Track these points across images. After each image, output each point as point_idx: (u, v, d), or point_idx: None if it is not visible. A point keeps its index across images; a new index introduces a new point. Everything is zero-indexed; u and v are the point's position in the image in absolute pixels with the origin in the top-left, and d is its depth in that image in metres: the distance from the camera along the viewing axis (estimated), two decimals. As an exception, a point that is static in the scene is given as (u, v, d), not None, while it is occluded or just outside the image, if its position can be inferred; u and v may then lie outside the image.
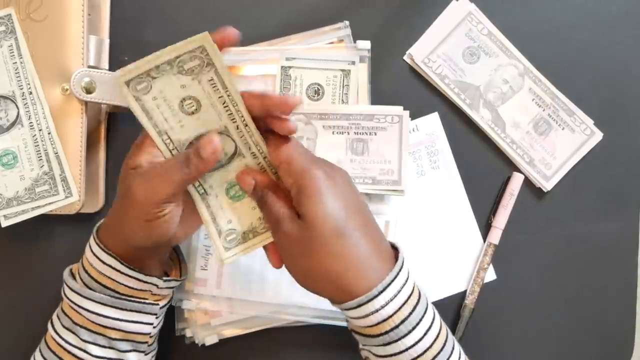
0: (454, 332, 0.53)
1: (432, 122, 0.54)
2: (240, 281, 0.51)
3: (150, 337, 0.45)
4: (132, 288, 0.42)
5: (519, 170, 0.54)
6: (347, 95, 0.52)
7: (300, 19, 0.53)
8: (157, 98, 0.38)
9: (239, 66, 0.53)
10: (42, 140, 0.49)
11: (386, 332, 0.38)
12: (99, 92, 0.48)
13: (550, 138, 0.55)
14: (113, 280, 0.42)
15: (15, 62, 0.49)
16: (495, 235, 0.54)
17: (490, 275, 0.54)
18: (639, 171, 0.56)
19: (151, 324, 0.44)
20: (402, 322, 0.38)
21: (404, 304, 0.39)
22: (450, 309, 0.54)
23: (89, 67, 0.49)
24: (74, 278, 0.43)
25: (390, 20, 0.54)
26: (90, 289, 0.42)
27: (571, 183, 0.55)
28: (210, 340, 0.51)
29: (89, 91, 0.48)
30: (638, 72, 0.56)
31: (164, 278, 0.44)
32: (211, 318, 0.52)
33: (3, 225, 0.49)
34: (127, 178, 0.39)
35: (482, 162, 0.55)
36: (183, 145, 0.40)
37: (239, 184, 0.42)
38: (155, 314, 0.44)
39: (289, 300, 0.51)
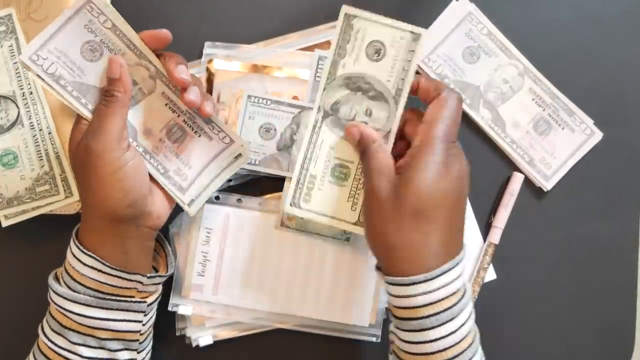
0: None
1: (432, 122, 0.54)
2: (236, 288, 0.51)
3: (141, 334, 0.45)
4: (117, 287, 0.42)
5: (519, 170, 0.54)
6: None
7: (300, 19, 0.53)
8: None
9: (274, 67, 0.52)
10: (42, 140, 0.49)
11: (419, 318, 0.39)
12: (99, 92, 0.48)
13: (550, 138, 0.55)
14: (96, 280, 0.42)
15: (16, 62, 0.49)
16: (495, 235, 0.54)
17: (490, 275, 0.54)
18: (639, 171, 0.56)
19: (140, 321, 0.44)
20: (433, 315, 0.39)
21: (440, 300, 0.39)
22: (451, 309, 0.54)
23: (89, 67, 0.49)
24: (59, 282, 0.43)
25: (390, 20, 0.54)
26: (75, 291, 0.42)
27: (571, 183, 0.55)
28: (205, 341, 0.51)
29: (89, 91, 0.48)
30: (638, 72, 0.56)
31: (148, 275, 0.44)
32: (206, 319, 0.52)
33: (3, 225, 0.49)
34: (79, 148, 0.41)
35: (482, 162, 0.55)
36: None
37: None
38: (143, 312, 0.44)
39: (285, 309, 0.51)
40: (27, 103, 0.49)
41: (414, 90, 0.44)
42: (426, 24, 0.54)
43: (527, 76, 0.54)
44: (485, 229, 0.55)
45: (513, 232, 0.54)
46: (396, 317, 0.42)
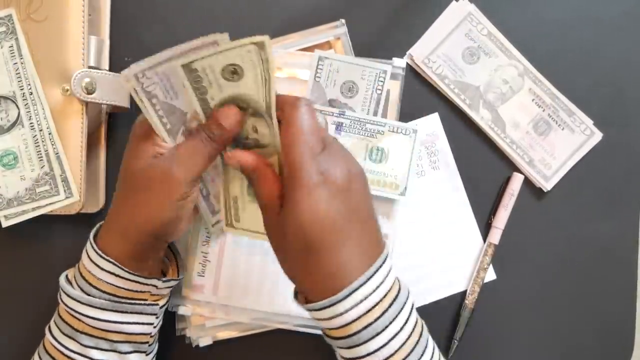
0: (453, 332, 0.53)
1: (432, 122, 0.54)
2: (236, 288, 0.51)
3: (151, 337, 0.45)
4: (133, 291, 0.42)
5: (519, 171, 0.54)
6: (381, 95, 0.51)
7: (300, 20, 0.53)
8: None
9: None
10: (42, 141, 0.49)
11: (349, 336, 0.37)
12: (100, 92, 0.48)
13: (550, 138, 0.55)
14: (113, 285, 0.42)
15: (16, 63, 0.49)
16: (495, 235, 0.54)
17: (490, 275, 0.54)
18: (639, 171, 0.56)
19: (152, 324, 0.44)
20: (366, 327, 0.37)
21: (369, 310, 0.37)
22: (450, 309, 0.54)
23: (90, 67, 0.49)
24: (71, 284, 0.43)
25: (390, 20, 0.54)
26: (89, 295, 0.42)
27: (571, 183, 0.55)
28: (205, 341, 0.51)
29: (89, 91, 0.48)
30: (638, 72, 0.56)
31: (163, 278, 0.44)
32: (206, 320, 0.52)
33: (4, 226, 0.49)
34: (156, 163, 0.40)
35: (482, 162, 0.55)
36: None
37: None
38: (155, 314, 0.44)
39: (285, 309, 0.51)
40: (27, 103, 0.49)
41: None
42: (426, 24, 0.54)
43: (527, 77, 0.54)
44: (485, 229, 0.55)
45: (513, 233, 0.54)
46: (330, 337, 0.39)
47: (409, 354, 0.38)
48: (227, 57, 0.38)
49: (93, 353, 0.42)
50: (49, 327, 0.44)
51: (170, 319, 0.51)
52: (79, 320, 0.42)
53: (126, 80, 0.39)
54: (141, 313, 0.43)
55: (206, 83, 0.40)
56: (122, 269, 0.42)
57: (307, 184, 0.37)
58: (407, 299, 0.39)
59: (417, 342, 0.38)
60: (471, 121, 0.54)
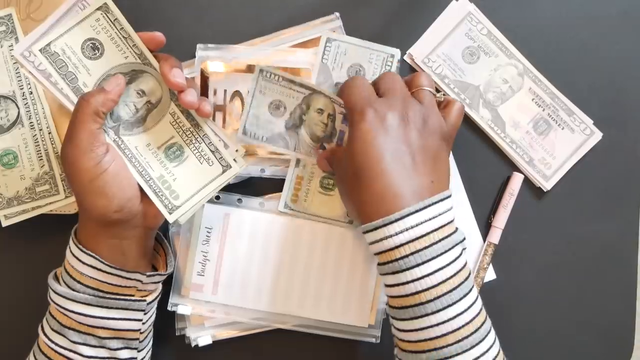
0: (453, 332, 0.53)
1: (432, 122, 0.54)
2: (236, 288, 0.51)
3: (141, 333, 0.45)
4: (116, 285, 0.43)
5: (518, 170, 0.54)
6: None
7: (299, 19, 0.53)
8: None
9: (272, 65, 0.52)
10: (42, 140, 0.49)
11: (395, 260, 0.39)
12: (99, 92, 0.48)
13: (550, 138, 0.55)
14: (95, 279, 0.42)
15: (16, 62, 0.49)
16: (495, 235, 0.54)
17: (490, 275, 0.54)
18: (638, 171, 0.56)
19: (140, 320, 0.44)
20: (413, 253, 0.39)
21: (418, 237, 0.39)
22: (450, 309, 0.54)
23: (89, 67, 0.49)
24: (58, 281, 0.43)
25: (390, 20, 0.54)
26: (74, 290, 0.42)
27: (571, 183, 0.55)
28: (204, 341, 0.51)
29: (89, 91, 0.48)
30: (638, 72, 0.56)
31: (148, 273, 0.44)
32: (205, 319, 0.52)
33: (3, 225, 0.49)
34: (61, 155, 0.43)
35: (482, 162, 0.55)
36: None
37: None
38: (143, 310, 0.44)
39: (284, 309, 0.51)
40: (27, 103, 0.49)
41: None
42: (426, 24, 0.54)
43: (527, 76, 0.54)
44: (485, 229, 0.55)
45: (513, 232, 0.54)
46: (379, 264, 0.41)
47: (453, 288, 0.39)
48: (83, 31, 0.41)
49: (82, 349, 0.42)
50: (42, 325, 0.44)
51: (170, 319, 0.51)
52: (66, 316, 0.42)
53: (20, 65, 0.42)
54: (127, 309, 0.43)
55: (72, 67, 0.41)
56: (103, 263, 0.42)
57: (359, 116, 0.43)
58: (461, 241, 0.41)
59: (464, 279, 0.40)
60: (471, 121, 0.54)
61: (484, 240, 0.54)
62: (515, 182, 0.54)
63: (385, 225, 0.39)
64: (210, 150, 0.47)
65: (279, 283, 0.51)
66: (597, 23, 0.56)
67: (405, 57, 0.54)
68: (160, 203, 0.45)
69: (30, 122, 0.49)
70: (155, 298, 0.46)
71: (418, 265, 0.39)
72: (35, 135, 0.49)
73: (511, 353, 0.55)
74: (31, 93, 0.49)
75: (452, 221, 0.42)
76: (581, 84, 0.55)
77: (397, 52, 0.51)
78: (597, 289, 0.55)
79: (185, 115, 0.46)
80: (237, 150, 0.47)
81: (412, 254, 0.39)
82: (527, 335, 0.55)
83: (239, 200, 0.52)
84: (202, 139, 0.46)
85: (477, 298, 0.41)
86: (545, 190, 0.55)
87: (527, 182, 0.55)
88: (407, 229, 0.39)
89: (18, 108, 0.49)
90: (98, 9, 0.41)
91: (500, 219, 0.54)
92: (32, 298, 0.52)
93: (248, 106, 0.49)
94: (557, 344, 0.55)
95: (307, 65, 0.51)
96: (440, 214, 0.40)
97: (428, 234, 0.39)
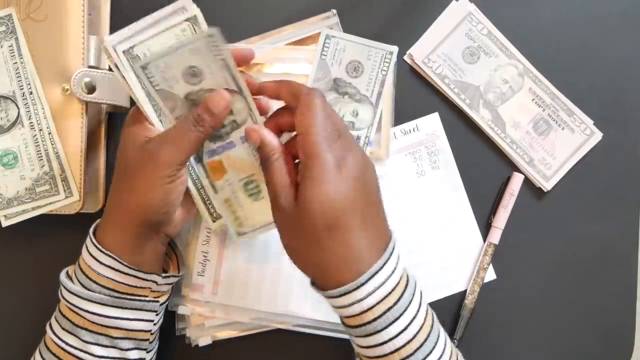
0: (453, 331, 0.53)
1: (432, 122, 0.54)
2: (236, 288, 0.51)
3: (152, 334, 0.45)
4: (132, 286, 0.43)
5: (519, 170, 0.54)
6: (385, 77, 0.51)
7: (299, 19, 0.53)
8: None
9: (265, 64, 0.52)
10: (42, 140, 0.49)
11: (366, 323, 0.38)
12: (99, 92, 0.48)
13: (550, 138, 0.55)
14: (112, 280, 0.42)
15: (16, 62, 0.49)
16: (495, 235, 0.54)
17: (490, 275, 0.54)
18: (638, 171, 0.56)
19: (152, 320, 0.44)
20: (385, 312, 0.38)
21: (386, 296, 0.38)
22: (450, 309, 0.54)
23: (89, 67, 0.49)
24: (71, 280, 0.43)
25: (390, 20, 0.54)
26: (90, 290, 0.42)
27: (571, 183, 0.55)
28: (204, 341, 0.51)
29: (89, 91, 0.48)
30: (638, 72, 0.56)
31: (163, 274, 0.44)
32: (205, 319, 0.52)
33: (3, 225, 0.49)
34: (145, 146, 0.41)
35: (482, 162, 0.55)
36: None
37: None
38: (156, 311, 0.44)
39: (285, 310, 0.51)
40: (27, 103, 0.49)
41: (256, 91, 0.44)
42: (426, 24, 0.54)
43: (527, 76, 0.54)
44: (485, 229, 0.55)
45: (513, 232, 0.54)
46: (347, 326, 0.40)
47: (427, 336, 0.39)
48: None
49: (93, 349, 0.42)
50: (50, 323, 0.44)
51: (170, 318, 0.51)
52: (79, 315, 0.42)
53: (106, 52, 0.41)
54: (141, 309, 0.43)
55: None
56: (121, 263, 0.42)
57: (329, 167, 0.37)
58: (416, 285, 0.41)
59: (432, 326, 0.40)
60: (471, 121, 0.54)
61: (484, 240, 0.54)
62: (515, 182, 0.54)
63: (355, 289, 0.37)
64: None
65: (279, 283, 0.51)
66: (597, 23, 0.56)
67: (405, 57, 0.54)
68: (230, 224, 0.47)
69: (30, 122, 0.49)
70: (167, 300, 0.46)
71: (392, 323, 0.38)
72: (35, 135, 0.49)
73: (511, 353, 0.55)
74: (31, 93, 0.49)
75: (403, 266, 0.40)
76: (581, 84, 0.55)
77: (395, 49, 0.52)
78: (597, 289, 0.55)
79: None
80: None
81: (385, 312, 0.38)
82: (527, 335, 0.55)
83: None
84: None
85: (444, 332, 0.42)
86: (545, 191, 0.55)
87: (527, 183, 0.55)
88: (377, 288, 0.37)
89: (18, 108, 0.49)
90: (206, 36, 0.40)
91: (500, 219, 0.54)
92: (33, 298, 0.52)
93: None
94: (557, 344, 0.55)
95: (306, 62, 0.51)
96: (397, 262, 0.39)
97: (395, 287, 0.38)
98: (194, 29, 0.42)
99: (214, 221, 0.47)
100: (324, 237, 0.38)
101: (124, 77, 0.41)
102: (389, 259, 0.39)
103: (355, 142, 0.41)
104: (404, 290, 0.39)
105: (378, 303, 0.38)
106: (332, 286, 0.38)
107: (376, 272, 0.38)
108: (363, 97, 0.51)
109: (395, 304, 0.38)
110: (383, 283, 0.38)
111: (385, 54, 0.51)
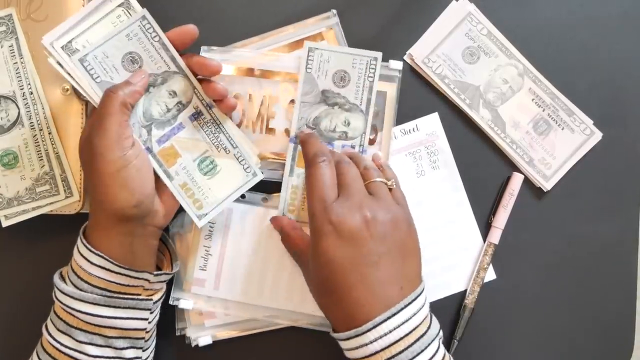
0: (453, 332, 0.53)
1: (432, 122, 0.54)
2: (238, 283, 0.51)
3: (147, 332, 0.45)
4: (124, 285, 0.43)
5: (518, 170, 0.54)
6: (373, 83, 0.51)
7: (299, 19, 0.53)
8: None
9: (267, 70, 0.52)
10: (42, 140, 0.49)
11: None
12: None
13: (550, 138, 0.55)
14: (104, 279, 0.42)
15: (16, 62, 0.49)
16: (495, 235, 0.54)
17: (490, 275, 0.54)
18: (638, 171, 0.56)
19: (146, 319, 0.44)
20: (390, 359, 0.39)
21: (394, 342, 0.39)
22: (450, 309, 0.54)
23: (90, 67, 0.49)
24: (64, 281, 0.43)
25: (390, 20, 0.54)
26: (82, 290, 0.42)
27: (571, 183, 0.55)
28: (204, 341, 0.51)
29: (89, 91, 0.48)
30: (638, 72, 0.56)
31: (155, 272, 0.44)
32: (205, 319, 0.52)
33: (4, 225, 0.49)
34: (84, 144, 0.43)
35: (482, 162, 0.55)
36: None
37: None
38: (149, 309, 0.44)
39: (286, 305, 0.51)
40: (27, 103, 0.49)
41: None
42: (426, 24, 0.54)
43: (527, 76, 0.55)
44: (485, 229, 0.55)
45: (513, 232, 0.54)
46: None
47: None
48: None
49: (88, 349, 0.42)
50: (46, 324, 0.44)
51: (170, 318, 0.51)
52: (73, 316, 0.42)
53: (46, 51, 0.43)
54: (135, 308, 0.43)
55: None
56: (112, 263, 0.42)
57: (319, 232, 0.42)
58: (437, 334, 0.42)
59: None
60: (471, 121, 0.54)
61: (484, 240, 0.54)
62: (515, 182, 0.54)
63: (358, 335, 0.40)
64: (238, 159, 0.49)
65: (282, 278, 0.51)
66: (597, 23, 0.56)
67: (406, 57, 0.54)
68: (190, 210, 0.47)
69: (31, 122, 0.49)
70: (161, 297, 0.46)
71: None
72: (35, 135, 0.49)
73: (511, 353, 0.55)
74: (31, 93, 0.49)
75: (427, 316, 0.42)
76: (581, 84, 0.55)
77: (379, 55, 0.51)
78: (597, 289, 0.55)
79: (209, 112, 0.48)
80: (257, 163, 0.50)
81: (390, 359, 0.39)
82: (527, 335, 0.55)
83: (242, 195, 0.52)
84: (230, 143, 0.48)
85: None
86: (545, 191, 0.55)
87: (527, 182, 0.55)
88: (380, 337, 0.39)
89: (18, 108, 0.49)
90: (141, 18, 0.43)
91: (500, 219, 0.54)
92: (33, 298, 0.52)
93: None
94: (557, 344, 0.55)
95: (294, 70, 0.51)
96: (413, 315, 0.41)
97: (402, 338, 0.40)
98: (129, 13, 0.43)
99: (199, 219, 0.48)
100: (324, 294, 0.43)
101: (69, 74, 0.42)
102: (402, 309, 0.40)
103: (360, 199, 0.43)
104: (417, 340, 0.40)
105: (382, 350, 0.39)
106: (340, 330, 0.42)
107: (381, 322, 0.40)
108: (353, 105, 0.51)
109: (402, 352, 0.39)
110: (390, 332, 0.40)
111: (370, 60, 0.51)
